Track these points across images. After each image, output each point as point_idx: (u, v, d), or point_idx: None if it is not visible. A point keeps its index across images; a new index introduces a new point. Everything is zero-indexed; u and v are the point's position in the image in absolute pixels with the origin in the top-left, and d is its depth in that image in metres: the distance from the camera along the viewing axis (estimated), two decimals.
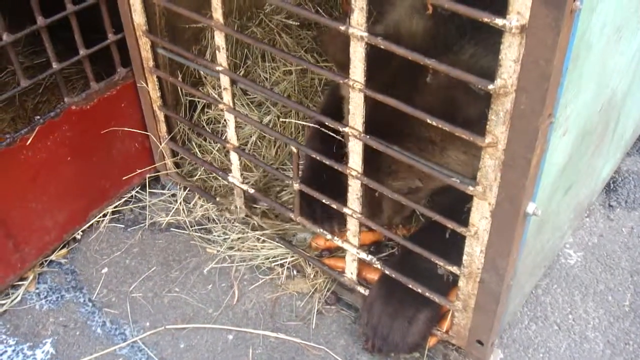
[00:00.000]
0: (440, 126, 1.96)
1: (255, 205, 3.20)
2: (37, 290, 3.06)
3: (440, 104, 2.09)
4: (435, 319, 2.59)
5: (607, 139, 2.87)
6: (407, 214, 2.96)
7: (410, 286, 2.47)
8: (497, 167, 1.92)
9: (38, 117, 2.88)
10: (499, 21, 1.63)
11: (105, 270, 3.14)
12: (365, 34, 1.97)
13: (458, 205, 2.26)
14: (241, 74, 3.60)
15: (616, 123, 2.88)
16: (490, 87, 1.75)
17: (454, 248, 2.28)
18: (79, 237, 3.27)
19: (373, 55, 2.08)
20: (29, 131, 2.82)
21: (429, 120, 1.98)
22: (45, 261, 3.15)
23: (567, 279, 3.05)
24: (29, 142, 2.82)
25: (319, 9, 3.97)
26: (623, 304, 2.95)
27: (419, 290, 2.45)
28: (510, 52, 1.68)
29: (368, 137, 2.22)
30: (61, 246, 3.21)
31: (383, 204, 2.75)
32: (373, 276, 2.80)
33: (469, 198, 2.09)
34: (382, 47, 1.95)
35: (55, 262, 3.17)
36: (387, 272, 2.54)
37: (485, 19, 1.66)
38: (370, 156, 2.34)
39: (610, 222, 3.35)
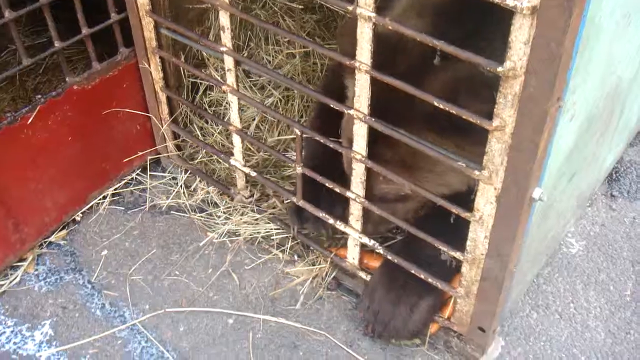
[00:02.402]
0: (447, 109, 1.94)
1: (257, 189, 3.18)
2: (36, 272, 3.04)
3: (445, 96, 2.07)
4: (438, 306, 2.58)
5: (612, 127, 2.85)
6: (393, 225, 2.89)
7: (412, 272, 2.46)
8: (504, 151, 1.90)
9: (39, 96, 2.85)
10: (510, 2, 1.60)
11: (104, 252, 3.12)
12: (373, 15, 1.94)
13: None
14: (244, 56, 3.57)
15: (621, 111, 2.86)
16: (500, 69, 1.73)
17: (457, 234, 2.27)
18: (78, 218, 3.25)
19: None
20: (29, 110, 2.79)
21: (436, 103, 1.95)
22: (45, 242, 3.14)
23: (568, 268, 3.04)
24: (29, 121, 2.79)
25: None
26: (624, 294, 2.94)
27: (422, 277, 2.44)
28: (521, 34, 1.65)
29: (373, 119, 2.19)
30: (60, 227, 3.19)
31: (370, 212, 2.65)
32: (373, 264, 2.78)
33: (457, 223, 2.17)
34: (390, 27, 1.93)
35: (55, 244, 3.16)
36: (389, 257, 2.52)
37: (496, 0, 1.63)
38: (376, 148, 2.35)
39: (612, 212, 3.33)
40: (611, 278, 3.01)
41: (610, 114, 2.69)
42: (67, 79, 2.91)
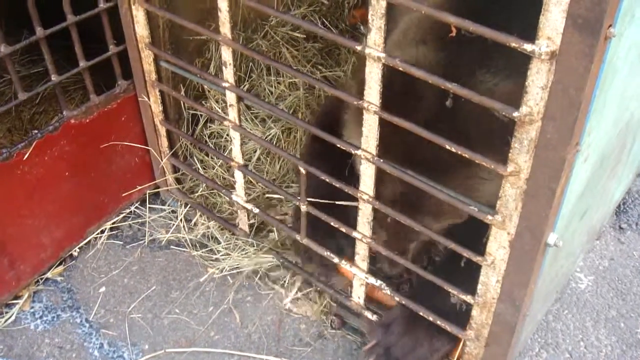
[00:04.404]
0: (459, 152, 1.87)
1: (257, 220, 3.11)
2: (32, 310, 2.96)
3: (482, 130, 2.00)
4: (450, 350, 2.50)
5: (622, 162, 2.80)
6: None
7: (430, 318, 2.38)
8: (519, 197, 1.84)
9: (36, 131, 2.78)
10: (528, 47, 1.54)
11: (102, 289, 3.05)
12: (382, 55, 1.88)
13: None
14: (245, 87, 3.51)
15: (631, 145, 2.81)
16: (515, 114, 1.67)
17: (470, 276, 2.19)
18: (76, 254, 3.17)
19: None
20: (26, 145, 2.72)
21: (447, 146, 1.89)
22: (41, 279, 3.05)
23: (578, 305, 2.97)
24: (26, 156, 2.72)
25: (324, 20, 3.90)
26: (635, 331, 2.87)
27: (438, 322, 2.36)
28: (538, 79, 1.59)
29: (381, 160, 2.13)
30: (57, 263, 3.11)
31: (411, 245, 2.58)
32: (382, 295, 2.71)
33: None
34: (400, 68, 1.87)
35: (51, 280, 3.08)
36: (397, 299, 2.45)
37: (513, 44, 1.57)
38: (409, 195, 2.27)
39: (621, 245, 3.27)
40: (622, 314, 2.94)
41: (622, 149, 2.64)
42: (64, 113, 2.85)
